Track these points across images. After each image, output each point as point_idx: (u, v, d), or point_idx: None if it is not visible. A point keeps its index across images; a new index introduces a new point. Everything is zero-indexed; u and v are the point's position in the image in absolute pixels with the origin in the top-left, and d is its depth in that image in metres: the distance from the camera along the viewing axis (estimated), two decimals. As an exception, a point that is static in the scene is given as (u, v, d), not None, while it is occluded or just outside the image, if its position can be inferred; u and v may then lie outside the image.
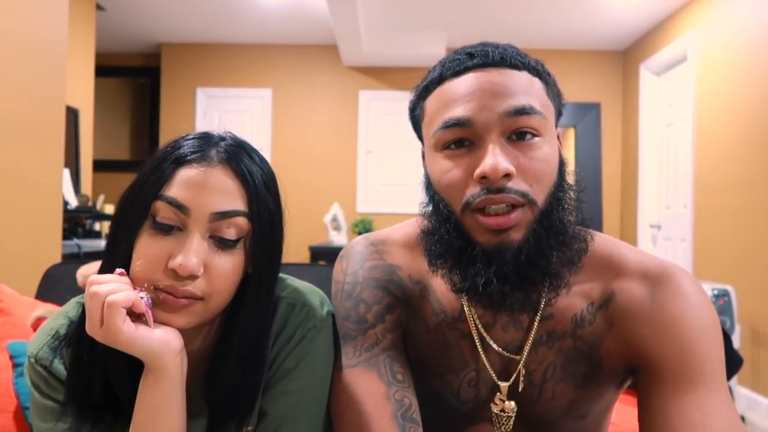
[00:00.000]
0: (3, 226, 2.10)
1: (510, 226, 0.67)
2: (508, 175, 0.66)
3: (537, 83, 0.72)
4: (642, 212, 4.61)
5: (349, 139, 5.15)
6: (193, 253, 0.64)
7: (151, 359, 0.63)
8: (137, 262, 0.65)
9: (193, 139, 0.70)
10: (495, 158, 0.66)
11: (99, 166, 4.32)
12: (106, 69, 4.87)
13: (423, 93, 0.77)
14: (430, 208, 0.75)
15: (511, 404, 0.76)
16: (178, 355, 0.65)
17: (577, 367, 0.76)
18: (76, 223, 3.06)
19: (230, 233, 0.67)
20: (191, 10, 4.43)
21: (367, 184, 5.14)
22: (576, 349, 0.76)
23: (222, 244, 0.67)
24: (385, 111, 5.13)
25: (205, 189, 0.66)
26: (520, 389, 0.77)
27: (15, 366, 1.32)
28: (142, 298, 0.63)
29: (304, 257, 4.34)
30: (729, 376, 1.60)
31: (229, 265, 0.67)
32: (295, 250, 4.64)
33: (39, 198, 2.32)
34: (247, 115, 5.16)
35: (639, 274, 0.75)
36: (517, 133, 0.69)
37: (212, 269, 0.66)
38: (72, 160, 3.61)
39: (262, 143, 5.03)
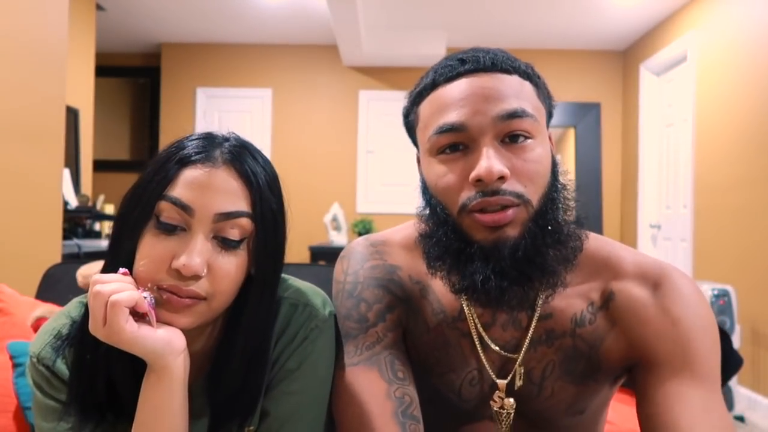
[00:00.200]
0: (3, 226, 2.10)
1: (506, 222, 0.69)
2: (502, 178, 0.68)
3: (527, 86, 0.74)
4: (642, 212, 4.61)
5: (349, 139, 5.15)
6: (196, 253, 0.64)
7: (153, 359, 0.64)
8: (140, 262, 0.65)
9: (196, 139, 0.70)
10: (489, 161, 0.68)
11: (99, 166, 4.32)
12: (106, 69, 4.87)
13: (416, 99, 0.79)
14: (427, 211, 0.76)
15: (510, 401, 0.78)
16: (180, 355, 0.65)
17: (575, 365, 0.78)
18: (76, 223, 3.06)
19: (234, 234, 0.67)
20: (191, 10, 4.43)
21: (367, 184, 5.14)
22: (575, 348, 0.77)
23: (225, 244, 0.67)
24: (385, 111, 5.13)
25: (209, 190, 0.66)
26: (516, 387, 0.78)
27: (15, 366, 1.32)
28: (145, 297, 0.63)
29: (305, 257, 4.34)
30: (729, 376, 1.60)
31: (232, 266, 0.67)
32: (295, 250, 4.64)
33: (39, 198, 2.32)
34: (247, 115, 5.16)
35: (637, 275, 0.77)
36: (510, 136, 0.70)
37: (215, 269, 0.66)
38: (72, 160, 3.62)
39: (262, 143, 5.03)
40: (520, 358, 0.78)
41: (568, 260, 0.73)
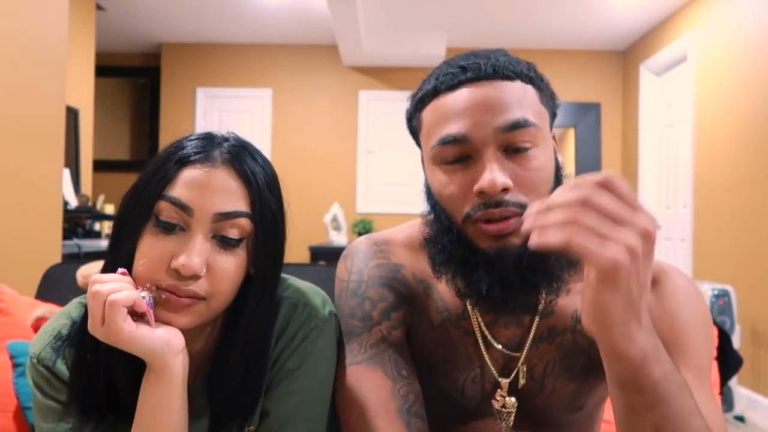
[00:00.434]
0: (3, 226, 2.10)
1: (509, 231, 0.69)
2: (506, 189, 0.68)
3: (530, 91, 0.73)
4: (642, 212, 4.60)
5: (349, 139, 5.15)
6: (195, 253, 0.64)
7: (152, 358, 0.64)
8: (140, 262, 0.65)
9: (196, 139, 0.70)
10: (492, 174, 0.68)
11: (99, 166, 4.32)
12: (106, 69, 4.87)
13: (419, 104, 0.78)
14: (432, 216, 0.77)
15: (512, 400, 0.79)
16: (179, 355, 0.65)
17: (575, 361, 0.79)
18: (76, 223, 3.06)
19: (233, 234, 0.67)
20: (191, 10, 4.43)
21: (367, 184, 5.14)
22: (575, 344, 0.78)
23: (225, 244, 0.67)
24: (385, 111, 5.13)
25: (209, 189, 0.66)
26: (520, 386, 0.79)
27: (15, 366, 1.32)
28: (143, 297, 0.63)
29: (304, 257, 4.34)
30: (729, 376, 1.60)
31: (231, 266, 0.67)
32: (295, 250, 4.63)
33: (39, 198, 2.32)
34: (247, 115, 5.16)
35: None
36: (513, 146, 0.70)
37: (215, 269, 0.66)
38: (72, 160, 3.62)
39: (262, 143, 5.03)
40: (523, 356, 0.78)
41: (571, 264, 0.73)
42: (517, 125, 0.69)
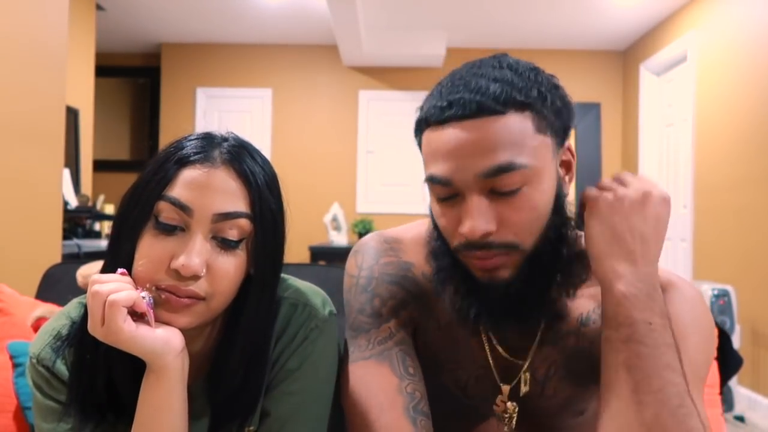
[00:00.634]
0: (3, 226, 2.10)
1: (495, 267, 0.69)
2: (490, 232, 0.67)
3: (525, 121, 0.66)
4: (642, 212, 4.60)
5: (349, 139, 5.15)
6: (195, 253, 0.64)
7: (152, 358, 0.64)
8: (139, 262, 0.65)
9: (195, 139, 0.70)
10: (472, 221, 0.66)
11: (99, 166, 4.31)
12: (106, 69, 4.87)
13: (417, 127, 0.76)
14: (436, 233, 0.77)
15: (512, 405, 0.79)
16: (179, 355, 0.65)
17: (577, 364, 0.79)
18: (76, 223, 3.06)
19: (233, 234, 0.67)
20: (191, 10, 4.43)
21: (367, 184, 5.15)
22: (578, 347, 0.78)
23: (224, 244, 0.67)
24: (385, 111, 5.13)
25: (208, 190, 0.66)
26: (522, 393, 0.79)
27: (15, 366, 1.32)
28: (143, 297, 0.63)
29: (304, 257, 4.34)
30: (729, 376, 1.60)
31: (231, 266, 0.67)
32: (295, 250, 4.63)
33: (39, 198, 2.32)
34: (247, 115, 5.16)
35: None
36: (498, 189, 0.67)
37: (214, 270, 0.66)
38: (72, 160, 3.61)
39: (262, 143, 5.03)
40: (527, 364, 0.79)
41: (572, 287, 0.73)
42: (501, 170, 0.65)
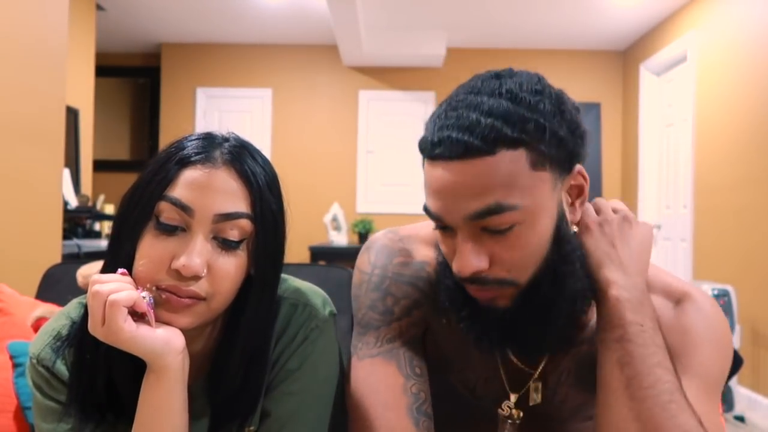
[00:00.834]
0: (3, 226, 2.10)
1: (491, 298, 0.69)
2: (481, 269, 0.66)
3: (517, 159, 0.63)
4: (642, 212, 4.61)
5: (349, 139, 5.15)
6: (196, 254, 0.64)
7: (152, 358, 0.64)
8: (140, 262, 0.65)
9: (196, 139, 0.70)
10: (462, 260, 0.66)
11: (99, 166, 4.32)
12: (106, 69, 4.87)
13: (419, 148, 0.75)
14: (441, 254, 0.76)
15: (518, 411, 0.79)
16: (179, 355, 0.65)
17: (588, 372, 0.78)
18: (76, 223, 3.06)
19: (233, 235, 0.67)
20: (191, 10, 4.43)
21: (367, 184, 5.15)
22: (589, 354, 0.78)
23: (225, 245, 0.67)
24: (385, 111, 5.13)
25: (209, 190, 0.66)
26: (532, 402, 0.79)
27: (15, 366, 1.32)
28: (144, 297, 0.63)
29: (304, 257, 4.34)
30: (729, 376, 1.60)
31: (232, 266, 0.67)
32: (295, 250, 4.63)
33: (39, 198, 2.32)
34: (247, 115, 5.16)
35: (661, 291, 0.78)
36: (489, 229, 0.65)
37: (215, 270, 0.66)
38: (72, 160, 3.61)
39: (262, 143, 5.03)
40: (537, 374, 0.78)
41: (571, 317, 0.73)
42: (488, 212, 0.63)
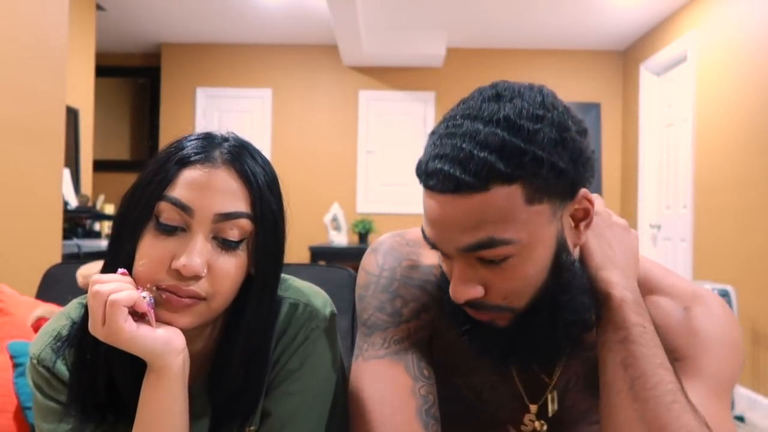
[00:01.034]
0: (3, 226, 2.10)
1: (489, 319, 0.69)
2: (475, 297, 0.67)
3: (512, 195, 0.61)
4: (642, 212, 4.61)
5: (349, 139, 5.15)
6: (196, 254, 0.64)
7: (153, 358, 0.64)
8: (140, 262, 0.65)
9: (196, 139, 0.70)
10: (456, 288, 0.66)
11: (99, 166, 4.31)
12: (106, 69, 4.87)
13: None
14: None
15: (541, 423, 0.79)
16: (180, 355, 0.65)
17: (595, 376, 0.77)
18: (76, 223, 3.06)
19: (233, 234, 0.67)
20: (191, 10, 4.43)
21: (367, 184, 5.15)
22: (596, 358, 0.77)
23: (225, 245, 0.67)
24: (385, 111, 5.13)
25: (209, 190, 0.66)
26: (550, 413, 0.78)
27: (15, 366, 1.32)
28: (144, 297, 0.63)
29: (305, 257, 4.34)
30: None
31: (232, 266, 0.67)
32: (295, 250, 4.63)
33: (39, 198, 2.32)
34: (247, 115, 5.16)
35: (670, 293, 0.78)
36: (483, 259, 0.65)
37: (215, 270, 0.66)
38: (72, 160, 3.61)
39: (262, 143, 5.03)
40: (553, 383, 0.78)
41: (584, 330, 0.73)
42: (480, 246, 0.62)
